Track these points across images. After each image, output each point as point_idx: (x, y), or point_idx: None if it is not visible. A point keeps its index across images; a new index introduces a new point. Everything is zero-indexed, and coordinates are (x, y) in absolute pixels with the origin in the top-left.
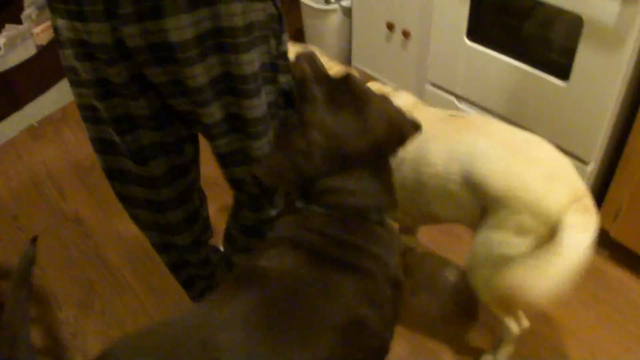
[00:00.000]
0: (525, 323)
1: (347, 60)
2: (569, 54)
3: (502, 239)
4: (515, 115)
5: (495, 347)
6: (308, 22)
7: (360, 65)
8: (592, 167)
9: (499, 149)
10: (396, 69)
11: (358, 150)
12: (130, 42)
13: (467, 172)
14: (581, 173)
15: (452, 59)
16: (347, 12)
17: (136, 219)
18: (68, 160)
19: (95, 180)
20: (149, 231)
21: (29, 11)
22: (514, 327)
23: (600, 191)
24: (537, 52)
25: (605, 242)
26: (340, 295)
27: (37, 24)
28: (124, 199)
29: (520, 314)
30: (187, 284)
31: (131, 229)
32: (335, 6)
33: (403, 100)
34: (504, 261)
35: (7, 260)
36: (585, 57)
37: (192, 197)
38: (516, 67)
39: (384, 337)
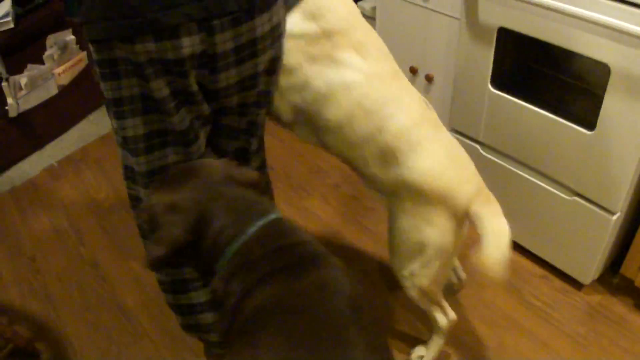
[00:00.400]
0: (452, 315)
1: None
2: (596, 102)
3: (415, 225)
4: (539, 164)
5: (428, 340)
6: None
7: None
8: (617, 217)
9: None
10: None
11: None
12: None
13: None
14: (606, 223)
15: (475, 106)
16: None
17: None
18: (87, 202)
19: (113, 223)
20: None
21: (51, 51)
22: (442, 319)
23: (625, 241)
24: (562, 100)
25: (630, 291)
26: (332, 284)
27: (59, 64)
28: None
29: (446, 306)
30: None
31: (148, 274)
32: None
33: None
34: (422, 251)
35: (25, 304)
36: (611, 106)
37: None
38: (541, 116)
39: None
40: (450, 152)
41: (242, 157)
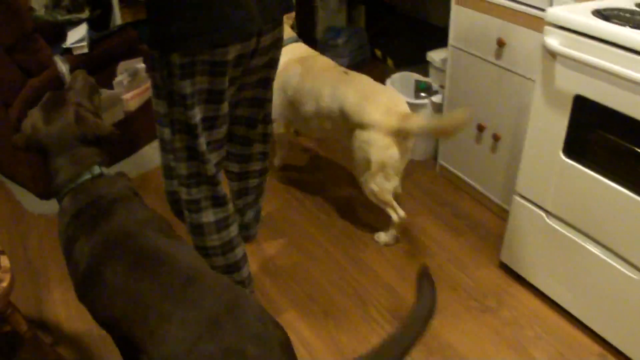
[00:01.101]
0: (402, 213)
1: (432, 156)
2: None
3: (360, 146)
4: (608, 239)
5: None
6: None
7: (446, 163)
8: None
9: (357, 95)
10: (483, 173)
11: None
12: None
13: (341, 108)
14: None
15: (544, 173)
16: (438, 107)
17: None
18: None
19: None
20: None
21: (121, 78)
22: (394, 215)
23: None
24: (638, 176)
25: None
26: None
27: (128, 90)
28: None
29: (396, 206)
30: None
31: None
32: (425, 101)
33: (298, 51)
34: (368, 165)
35: (71, 326)
36: None
37: None
38: (615, 191)
39: None
40: (363, 92)
41: (252, 124)
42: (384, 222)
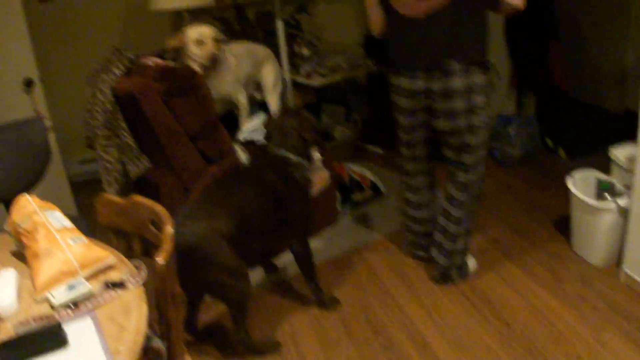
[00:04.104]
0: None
1: (617, 263)
2: None
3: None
4: None
5: None
6: (577, 213)
7: (632, 273)
8: None
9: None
10: None
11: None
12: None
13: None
14: None
15: None
16: (624, 211)
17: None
18: (309, 318)
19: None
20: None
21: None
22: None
23: None
24: None
25: None
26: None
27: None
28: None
29: None
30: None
31: None
32: (611, 205)
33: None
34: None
35: None
36: None
37: None
38: None
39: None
40: None
41: (461, 151)
42: None
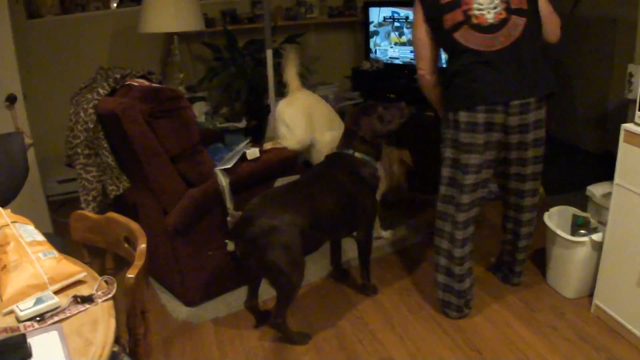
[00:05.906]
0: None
1: (589, 295)
2: None
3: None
4: None
5: None
6: (551, 246)
7: (603, 305)
8: None
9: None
10: None
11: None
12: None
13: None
14: None
15: None
16: (597, 246)
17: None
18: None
19: None
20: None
21: None
22: None
23: None
24: None
25: None
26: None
27: None
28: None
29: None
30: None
31: None
32: (585, 239)
33: None
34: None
35: None
36: None
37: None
38: None
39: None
40: None
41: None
42: None
